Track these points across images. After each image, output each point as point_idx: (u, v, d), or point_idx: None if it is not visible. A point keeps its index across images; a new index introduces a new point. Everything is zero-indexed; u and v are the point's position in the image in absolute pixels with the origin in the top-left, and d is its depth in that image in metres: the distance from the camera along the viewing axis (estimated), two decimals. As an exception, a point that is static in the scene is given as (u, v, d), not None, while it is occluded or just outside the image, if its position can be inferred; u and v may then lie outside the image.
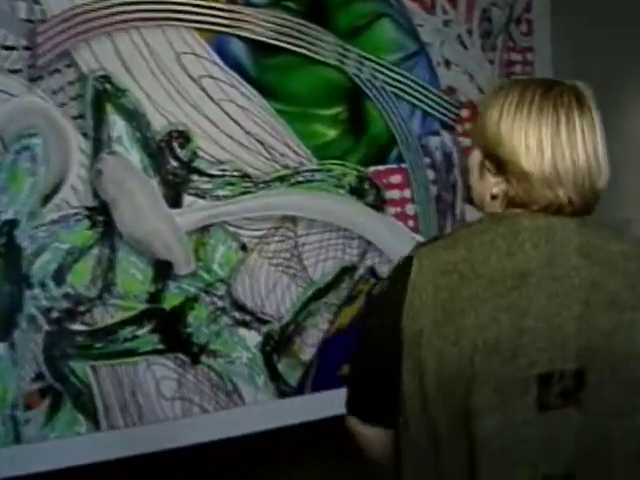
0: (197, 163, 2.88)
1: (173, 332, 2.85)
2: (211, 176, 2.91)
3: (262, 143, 3.05)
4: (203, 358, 2.92)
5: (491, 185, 1.31)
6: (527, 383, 1.22)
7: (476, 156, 1.35)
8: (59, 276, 2.65)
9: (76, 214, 2.69)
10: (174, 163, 2.84)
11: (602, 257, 1.24)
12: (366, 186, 3.29)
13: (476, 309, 1.21)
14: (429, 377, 1.23)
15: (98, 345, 2.73)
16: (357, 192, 3.27)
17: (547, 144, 1.23)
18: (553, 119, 1.24)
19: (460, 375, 1.21)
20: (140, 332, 2.79)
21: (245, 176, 2.98)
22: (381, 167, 3.34)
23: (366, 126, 3.33)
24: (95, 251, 2.71)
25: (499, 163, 1.29)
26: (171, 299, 2.84)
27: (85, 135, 2.68)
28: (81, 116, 2.68)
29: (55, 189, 2.64)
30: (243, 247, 2.99)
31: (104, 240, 2.73)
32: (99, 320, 2.72)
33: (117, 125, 2.73)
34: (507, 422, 1.22)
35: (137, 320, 2.78)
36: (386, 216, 3.35)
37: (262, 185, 3.04)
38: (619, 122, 3.22)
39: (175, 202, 2.86)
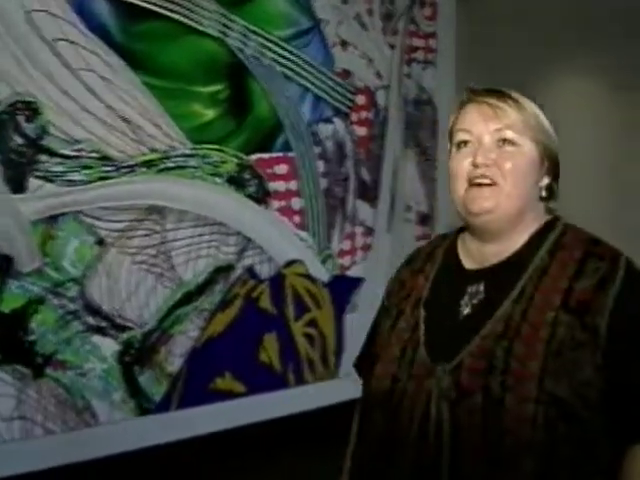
0: (47, 141, 2.63)
1: (11, 339, 2.59)
2: (63, 157, 2.66)
3: (127, 121, 2.79)
4: (48, 370, 2.66)
5: (541, 186, 1.31)
6: None
7: (530, 154, 1.29)
8: None
9: None
10: (18, 140, 2.58)
11: None
12: (247, 176, 3.09)
13: None
14: None
15: None
16: (236, 182, 3.06)
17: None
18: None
19: None
20: None
21: (105, 158, 2.73)
22: (265, 155, 3.17)
23: (249, 108, 3.12)
24: None
25: (555, 166, 1.32)
26: (10, 300, 2.58)
27: None
28: None
29: None
30: (100, 241, 2.75)
31: None
32: None
33: None
34: None
35: None
36: (269, 210, 3.16)
37: (125, 170, 2.78)
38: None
39: (18, 186, 2.59)
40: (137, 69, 2.79)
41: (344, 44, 3.35)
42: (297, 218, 3.26)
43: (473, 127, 1.30)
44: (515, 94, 1.31)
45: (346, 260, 3.43)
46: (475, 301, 1.28)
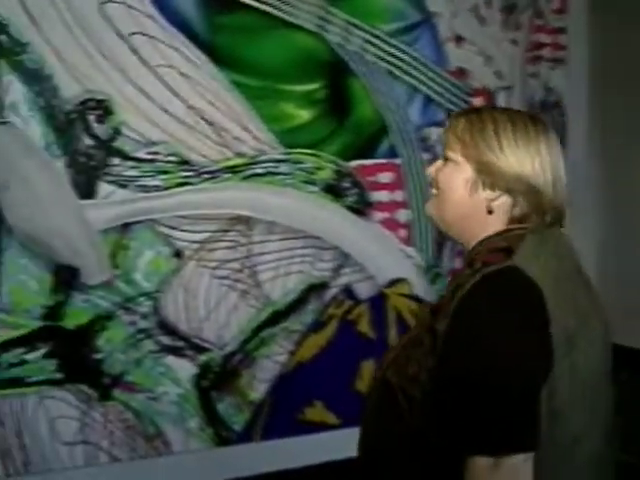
0: (120, 143, 2.46)
1: (76, 358, 2.45)
2: (138, 160, 2.49)
3: (210, 123, 2.59)
4: (116, 393, 2.50)
5: (487, 200, 1.39)
6: (608, 362, 1.45)
7: (463, 172, 1.41)
8: None
9: None
10: (88, 141, 2.43)
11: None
12: (346, 184, 2.83)
13: (593, 308, 1.40)
14: (581, 378, 1.33)
15: None
16: (334, 191, 2.80)
17: (546, 163, 1.39)
18: (547, 142, 1.40)
19: (597, 372, 1.38)
20: (31, 356, 2.39)
21: (184, 163, 2.55)
22: (367, 161, 2.89)
23: (349, 109, 2.86)
24: None
25: (503, 180, 1.38)
26: (76, 316, 2.44)
27: None
28: None
29: None
30: (177, 253, 2.57)
31: None
32: None
33: (13, 88, 2.33)
34: (607, 406, 1.43)
35: (27, 341, 2.38)
36: (371, 223, 2.89)
37: (207, 176, 2.59)
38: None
39: (87, 191, 2.44)
40: (222, 66, 2.60)
41: (459, 40, 3.07)
42: (403, 232, 2.98)
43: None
44: (472, 114, 1.43)
45: (458, 280, 3.09)
46: None
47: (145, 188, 2.50)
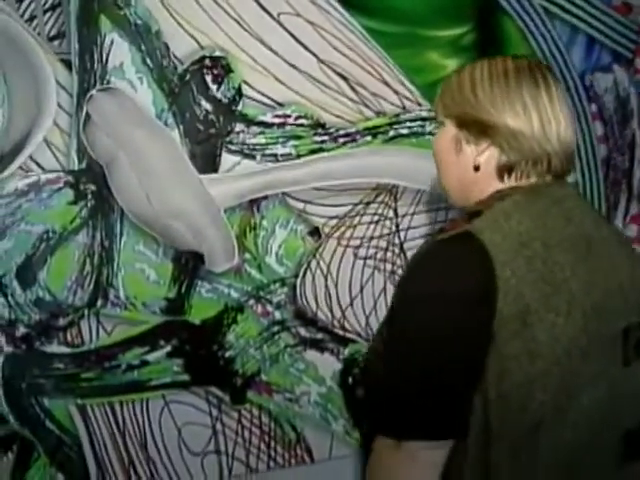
0: (242, 106, 2.33)
1: (204, 357, 2.39)
2: (264, 125, 2.36)
3: (344, 77, 2.43)
4: (250, 394, 2.43)
5: (473, 155, 1.42)
6: (617, 341, 1.36)
7: (448, 132, 1.46)
8: (27, 274, 2.25)
9: (53, 181, 2.26)
10: (206, 105, 2.31)
11: (602, 219, 1.67)
12: None
13: (577, 274, 1.33)
14: (542, 356, 1.28)
15: (88, 375, 2.32)
16: None
17: (531, 105, 1.39)
18: (531, 83, 1.40)
19: (575, 346, 1.30)
20: (153, 356, 2.34)
21: (317, 126, 2.41)
22: None
23: (503, 55, 2.54)
24: (82, 237, 2.28)
25: (482, 129, 1.41)
26: (201, 309, 2.37)
27: (66, 63, 2.21)
28: (60, 35, 2.21)
29: (20, 144, 2.20)
30: (314, 232, 2.46)
31: (96, 220, 2.29)
32: (89, 339, 2.31)
33: (116, 48, 2.23)
34: (606, 387, 1.35)
35: (148, 339, 2.33)
36: None
37: (344, 139, 2.44)
38: None
39: (207, 164, 2.33)
40: (355, 11, 2.44)
41: (623, -31, 2.86)
42: (570, 196, 2.73)
43: None
44: (453, 75, 1.48)
45: (631, 248, 2.90)
46: None
47: (274, 157, 2.39)
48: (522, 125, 1.38)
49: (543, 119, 1.39)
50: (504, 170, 1.40)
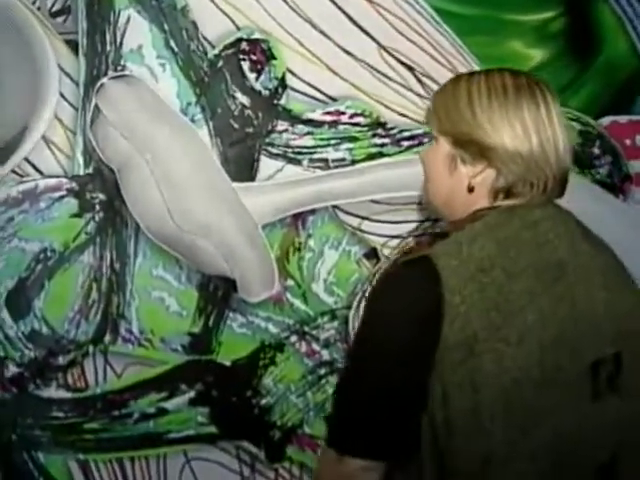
0: (286, 100, 2.13)
1: (235, 405, 2.19)
2: (312, 123, 2.16)
3: (410, 68, 2.23)
4: (291, 451, 2.23)
5: (469, 176, 1.43)
6: (586, 375, 1.38)
7: (442, 148, 1.47)
8: (20, 301, 2.07)
9: (53, 188, 2.08)
10: (242, 98, 2.12)
11: (595, 241, 1.50)
12: (595, 150, 2.48)
13: (535, 304, 1.35)
14: (488, 386, 1.30)
15: (92, 426, 2.12)
16: (579, 159, 2.42)
17: (532, 128, 1.40)
18: (532, 103, 1.41)
19: (526, 378, 1.32)
20: (172, 403, 2.14)
21: (377, 125, 2.21)
22: (623, 118, 2.55)
23: (597, 46, 2.49)
24: (87, 256, 2.09)
25: (479, 150, 1.42)
26: (231, 347, 2.18)
27: (72, 45, 2.05)
28: (65, 10, 2.04)
29: (13, 143, 2.02)
30: (371, 253, 2.25)
31: (104, 237, 2.10)
32: (94, 382, 2.12)
33: (134, 28, 2.05)
34: (574, 421, 1.37)
35: (167, 383, 2.14)
36: (629, 203, 2.53)
37: (408, 143, 2.24)
38: None
39: (244, 171, 2.13)
40: None
41: None
42: (673, 214, 2.62)
43: None
44: (448, 86, 1.48)
45: None
46: None
47: (324, 163, 2.18)
48: (521, 147, 1.39)
49: (543, 141, 1.40)
50: (499, 192, 1.41)
